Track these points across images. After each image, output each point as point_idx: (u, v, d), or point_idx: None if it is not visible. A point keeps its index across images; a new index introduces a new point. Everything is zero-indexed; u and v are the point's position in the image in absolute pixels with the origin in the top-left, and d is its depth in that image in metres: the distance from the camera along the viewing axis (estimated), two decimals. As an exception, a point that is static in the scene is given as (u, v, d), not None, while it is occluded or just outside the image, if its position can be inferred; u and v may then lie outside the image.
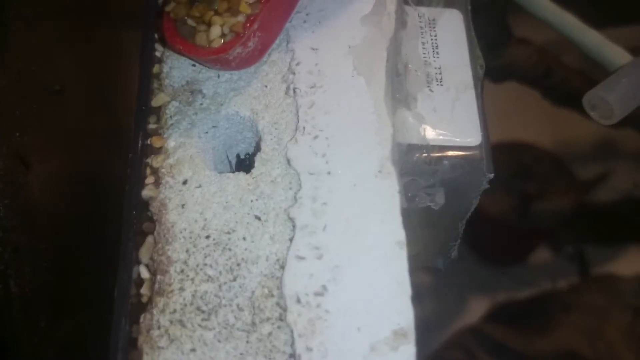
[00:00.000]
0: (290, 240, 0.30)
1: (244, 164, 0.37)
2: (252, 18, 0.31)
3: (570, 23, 0.43)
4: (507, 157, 0.99)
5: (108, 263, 0.36)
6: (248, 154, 0.36)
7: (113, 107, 0.50)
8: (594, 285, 0.93)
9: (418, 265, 0.37)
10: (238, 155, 0.36)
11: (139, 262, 0.31)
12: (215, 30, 0.30)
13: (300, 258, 0.30)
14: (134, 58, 0.46)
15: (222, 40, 0.30)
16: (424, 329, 0.29)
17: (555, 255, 1.13)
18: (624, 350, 0.82)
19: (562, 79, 0.63)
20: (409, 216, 0.32)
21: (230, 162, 0.36)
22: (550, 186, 1.02)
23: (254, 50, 0.32)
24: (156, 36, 0.35)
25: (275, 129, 0.33)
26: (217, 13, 0.30)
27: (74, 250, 0.38)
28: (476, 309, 0.98)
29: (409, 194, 0.33)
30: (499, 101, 0.44)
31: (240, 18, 0.30)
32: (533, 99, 0.69)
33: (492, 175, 0.32)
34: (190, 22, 0.31)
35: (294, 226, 0.31)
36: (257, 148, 0.33)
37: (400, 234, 0.30)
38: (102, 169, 0.45)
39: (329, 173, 0.32)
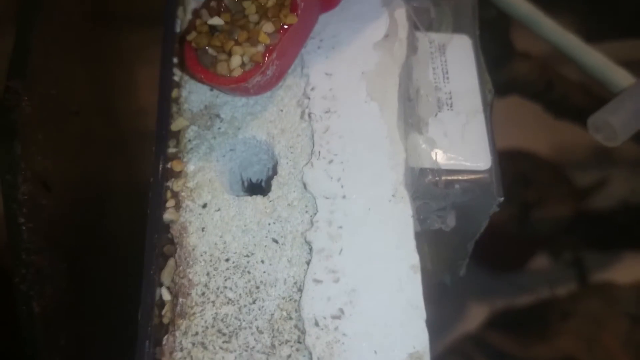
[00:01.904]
0: (307, 263, 0.31)
1: (257, 186, 0.38)
2: (271, 47, 0.32)
3: (573, 44, 0.44)
4: (506, 165, 1.00)
5: (128, 283, 0.37)
6: (261, 179, 0.37)
7: (128, 127, 0.51)
8: (592, 293, 0.94)
9: (426, 281, 0.38)
10: (250, 180, 0.37)
11: (160, 285, 0.32)
12: (236, 60, 0.31)
13: (318, 281, 0.31)
14: (149, 79, 0.46)
15: (242, 70, 0.31)
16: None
17: (553, 262, 1.14)
18: (622, 358, 0.83)
19: (563, 93, 0.65)
20: (418, 235, 0.33)
21: (244, 183, 0.37)
22: (549, 194, 1.03)
23: (272, 78, 0.33)
24: (175, 60, 0.36)
25: (291, 152, 0.34)
26: (237, 43, 0.31)
27: (94, 270, 0.39)
28: (475, 316, 0.99)
29: (421, 217, 0.34)
30: (501, 114, 0.45)
31: (260, 48, 0.31)
32: (534, 111, 0.70)
33: (502, 199, 0.33)
34: (211, 51, 0.31)
35: (310, 249, 0.32)
36: (274, 171, 0.34)
37: (414, 258, 0.31)
38: (119, 189, 0.46)
39: (344, 197, 0.33)
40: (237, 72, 0.31)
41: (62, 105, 0.37)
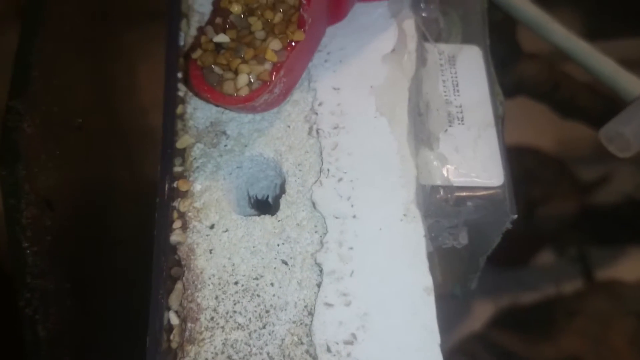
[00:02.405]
0: (318, 285, 0.31)
1: (263, 202, 0.37)
2: (278, 65, 0.31)
3: (585, 51, 0.44)
4: (511, 162, 1.00)
5: (134, 306, 0.36)
6: (267, 195, 0.36)
7: (130, 125, 0.50)
8: (598, 291, 0.93)
9: (436, 294, 0.38)
10: (256, 196, 0.36)
11: (168, 309, 0.31)
12: (243, 79, 0.30)
13: (329, 305, 0.30)
14: (149, 74, 0.45)
15: (249, 88, 0.31)
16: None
17: (558, 258, 1.14)
18: (629, 357, 0.83)
19: (570, 93, 0.64)
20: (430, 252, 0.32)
21: (250, 199, 0.37)
22: (554, 190, 1.02)
23: (279, 95, 0.32)
24: (179, 75, 0.36)
25: (300, 170, 0.34)
26: (243, 61, 0.31)
27: (98, 282, 0.38)
28: (481, 314, 0.99)
29: (432, 234, 0.33)
30: (508, 114, 0.44)
31: (267, 66, 0.31)
32: (541, 111, 0.69)
33: (515, 216, 0.33)
34: (217, 69, 0.31)
35: (321, 271, 0.31)
36: (282, 189, 0.34)
37: (428, 280, 0.30)
38: (121, 191, 0.45)
39: (354, 217, 0.32)
40: (244, 91, 0.30)
41: (65, 121, 0.37)
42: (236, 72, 0.31)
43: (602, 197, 1.15)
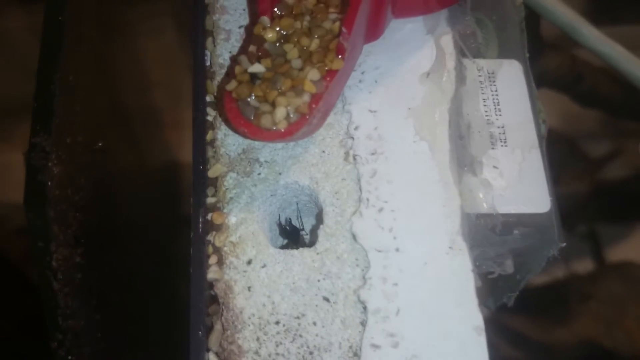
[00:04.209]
0: (362, 324, 0.30)
1: (293, 227, 0.35)
2: (317, 96, 0.29)
3: (619, 54, 0.42)
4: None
5: (172, 347, 0.35)
6: (289, 218, 0.35)
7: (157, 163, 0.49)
8: (611, 274, 0.93)
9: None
10: (289, 220, 0.35)
11: (208, 350, 0.30)
12: (281, 112, 0.29)
13: (376, 347, 0.29)
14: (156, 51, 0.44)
15: (287, 122, 0.29)
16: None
17: (567, 236, 1.13)
18: (644, 340, 0.83)
19: (592, 84, 0.62)
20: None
21: (281, 225, 0.35)
22: (565, 170, 1.01)
23: (317, 125, 0.31)
24: (207, 99, 0.34)
25: (337, 199, 0.32)
26: (281, 92, 0.29)
27: (127, 306, 0.38)
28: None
29: (477, 263, 0.32)
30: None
31: (306, 98, 0.29)
32: (561, 101, 0.68)
33: (564, 244, 0.31)
34: (253, 102, 0.29)
35: (364, 308, 0.30)
36: (319, 220, 0.32)
37: (478, 319, 0.29)
38: (152, 234, 0.44)
39: (397, 250, 0.31)
40: (283, 125, 0.29)
41: (89, 147, 0.35)
42: (273, 105, 0.29)
43: (611, 171, 1.14)
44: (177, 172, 0.57)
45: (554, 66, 0.59)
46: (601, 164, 1.10)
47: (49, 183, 0.29)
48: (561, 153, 1.05)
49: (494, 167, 0.33)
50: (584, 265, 1.04)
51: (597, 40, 0.42)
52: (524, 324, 0.89)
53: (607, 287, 0.89)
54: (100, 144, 0.37)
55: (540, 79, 0.61)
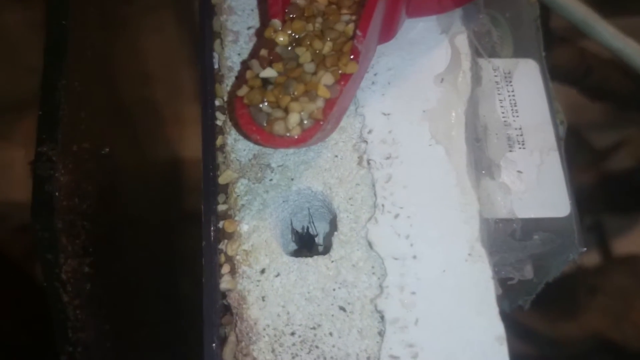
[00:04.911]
0: (380, 334, 0.29)
1: (306, 234, 0.35)
2: (331, 101, 0.28)
3: (634, 50, 0.41)
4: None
5: (180, 345, 0.34)
6: (306, 225, 0.34)
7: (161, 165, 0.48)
8: (618, 267, 0.92)
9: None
10: (305, 228, 0.34)
11: (222, 363, 0.29)
12: (294, 118, 0.28)
13: (395, 357, 0.28)
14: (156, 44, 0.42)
15: (301, 128, 0.28)
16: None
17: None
18: (651, 333, 0.83)
19: (602, 78, 0.62)
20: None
21: (293, 231, 0.35)
22: (572, 163, 1.00)
23: (330, 130, 0.30)
24: (216, 103, 0.33)
25: (351, 205, 0.31)
26: (294, 98, 0.28)
27: (141, 336, 0.37)
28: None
29: (495, 269, 0.31)
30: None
31: (319, 103, 0.28)
32: (569, 94, 0.67)
33: (584, 249, 0.31)
34: (265, 108, 0.28)
35: (382, 318, 0.29)
36: (332, 225, 0.32)
37: (499, 328, 0.28)
38: (156, 233, 0.43)
39: (414, 257, 0.30)
40: (296, 131, 0.28)
41: (95, 154, 0.34)
42: (286, 111, 0.28)
43: (616, 162, 1.13)
44: (179, 168, 0.56)
45: (564, 60, 0.58)
46: (607, 155, 1.09)
47: (57, 193, 0.28)
48: (568, 145, 1.04)
49: (512, 169, 0.32)
50: (591, 258, 1.03)
51: (612, 36, 0.41)
52: (532, 319, 0.89)
53: (615, 281, 0.88)
54: (107, 150, 0.36)
55: (551, 73, 0.60)
